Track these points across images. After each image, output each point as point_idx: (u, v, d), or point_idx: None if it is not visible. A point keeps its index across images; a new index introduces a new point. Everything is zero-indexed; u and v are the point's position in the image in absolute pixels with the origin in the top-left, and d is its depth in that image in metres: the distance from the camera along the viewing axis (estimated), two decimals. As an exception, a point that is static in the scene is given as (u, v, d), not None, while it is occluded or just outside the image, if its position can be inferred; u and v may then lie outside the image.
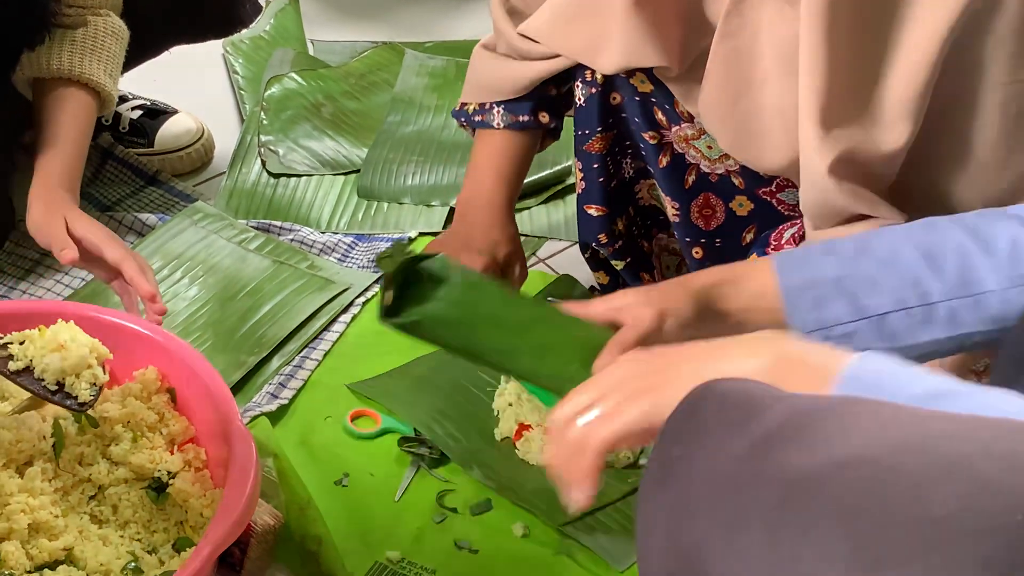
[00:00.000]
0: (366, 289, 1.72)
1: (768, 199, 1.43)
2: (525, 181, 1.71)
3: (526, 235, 1.85)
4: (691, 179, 1.48)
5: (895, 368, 0.72)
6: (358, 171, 1.96)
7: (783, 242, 1.37)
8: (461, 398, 1.57)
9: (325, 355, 1.63)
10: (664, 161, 1.47)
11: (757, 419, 0.59)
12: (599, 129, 1.48)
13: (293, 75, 2.13)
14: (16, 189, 1.73)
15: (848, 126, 1.14)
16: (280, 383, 1.58)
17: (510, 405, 1.53)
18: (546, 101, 1.51)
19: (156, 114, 1.98)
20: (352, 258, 1.79)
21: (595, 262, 1.63)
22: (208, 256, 1.76)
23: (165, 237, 1.78)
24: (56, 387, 1.24)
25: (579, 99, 1.47)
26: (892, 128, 1.13)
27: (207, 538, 1.16)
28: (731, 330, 1.02)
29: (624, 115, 1.47)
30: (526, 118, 1.51)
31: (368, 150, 1.98)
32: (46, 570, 1.20)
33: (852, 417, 0.57)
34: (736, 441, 0.58)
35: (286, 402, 1.56)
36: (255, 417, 1.51)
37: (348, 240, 1.82)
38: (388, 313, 1.20)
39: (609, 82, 1.43)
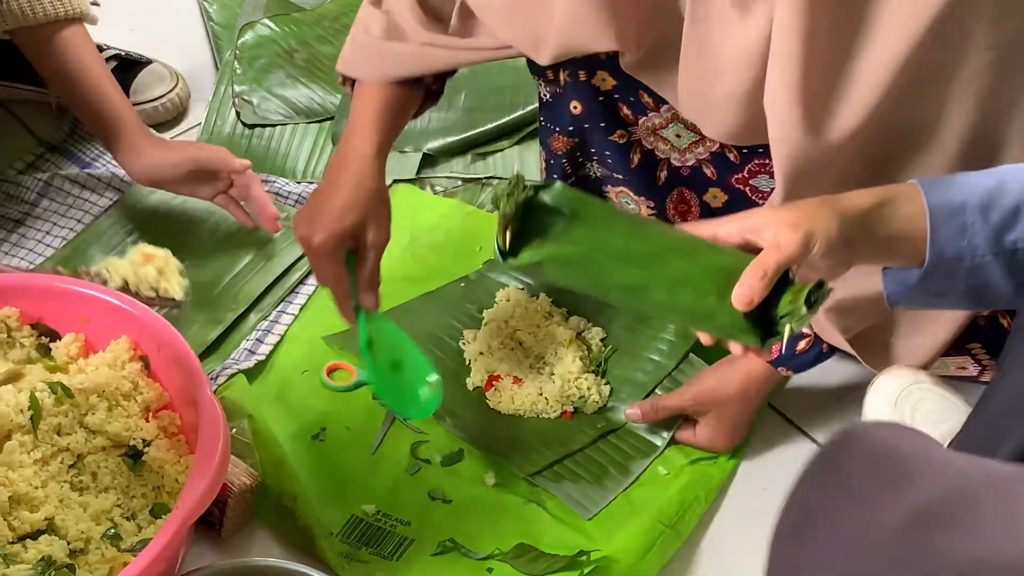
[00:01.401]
0: (341, 240, 1.74)
1: (742, 187, 1.43)
2: (495, 124, 1.72)
3: (498, 177, 1.86)
4: (663, 175, 1.48)
5: None
6: (332, 118, 1.97)
7: None
8: (434, 348, 1.59)
9: (301, 308, 1.66)
10: (635, 160, 1.47)
11: (913, 484, 0.57)
12: (560, 131, 1.48)
13: (266, 21, 2.12)
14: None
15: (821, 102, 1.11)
16: (257, 339, 1.61)
17: (481, 355, 1.56)
18: None
19: (130, 64, 1.98)
20: (327, 209, 1.80)
21: None
22: (184, 212, 1.77)
23: (142, 193, 1.80)
24: (153, 294, 1.44)
25: (543, 95, 1.46)
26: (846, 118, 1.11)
27: (180, 505, 1.20)
28: (877, 257, 1.00)
29: (587, 125, 1.46)
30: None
31: (341, 97, 1.99)
32: (28, 540, 1.24)
33: (1017, 501, 0.55)
34: (889, 507, 0.56)
35: (263, 358, 1.58)
36: (232, 375, 1.54)
37: (324, 190, 1.84)
38: (508, 254, 1.08)
39: (568, 90, 1.42)
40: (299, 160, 1.91)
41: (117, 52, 1.99)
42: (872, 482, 0.58)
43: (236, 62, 2.05)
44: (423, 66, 1.39)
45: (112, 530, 1.27)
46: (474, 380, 1.55)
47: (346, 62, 1.43)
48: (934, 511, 0.55)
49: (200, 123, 1.97)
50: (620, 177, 1.50)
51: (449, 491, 1.44)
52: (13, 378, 1.37)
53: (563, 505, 1.42)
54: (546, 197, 1.05)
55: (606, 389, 1.54)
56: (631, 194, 1.51)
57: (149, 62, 1.99)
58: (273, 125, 1.97)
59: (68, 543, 1.25)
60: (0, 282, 1.44)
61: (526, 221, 1.07)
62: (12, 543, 1.24)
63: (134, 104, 1.94)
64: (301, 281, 1.70)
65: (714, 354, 1.48)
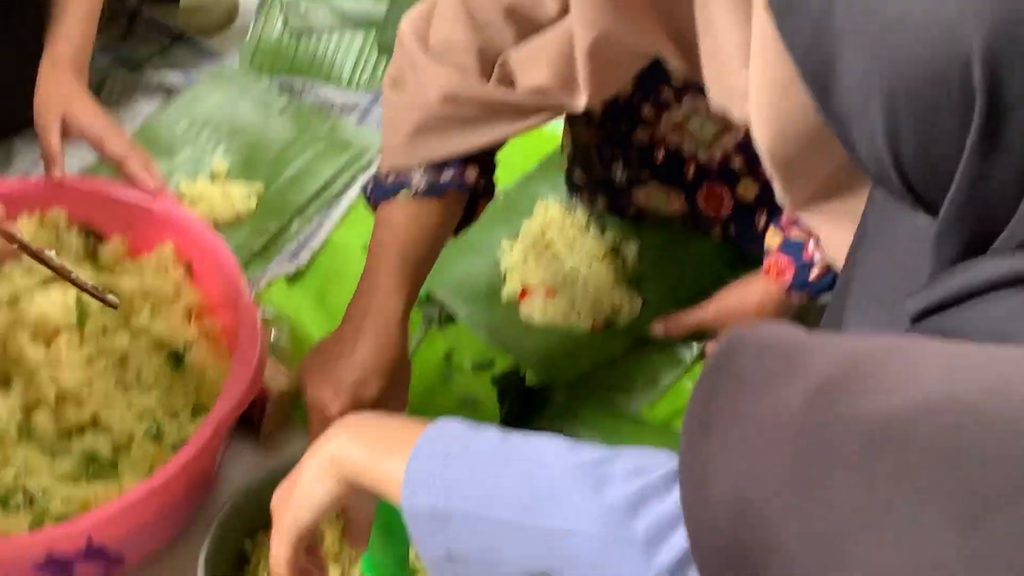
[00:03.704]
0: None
1: None
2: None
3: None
4: (691, 172, 1.48)
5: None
6: (379, 26, 1.98)
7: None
8: (472, 258, 1.62)
9: (343, 216, 1.70)
10: (660, 157, 1.47)
11: (805, 364, 0.57)
12: (582, 123, 1.48)
13: (316, -74, 2.13)
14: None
15: None
16: (299, 244, 1.65)
17: (516, 266, 1.59)
18: (474, 155, 1.28)
19: (183, -32, 2.01)
20: (371, 118, 1.83)
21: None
22: (233, 118, 1.81)
23: (191, 99, 1.84)
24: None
25: None
26: None
27: (219, 406, 1.25)
28: None
29: (608, 122, 1.46)
30: (451, 176, 1.26)
31: (388, 3, 2.00)
32: (74, 436, 1.30)
33: (914, 357, 0.55)
34: (789, 390, 0.56)
35: (304, 263, 1.63)
36: (274, 279, 1.58)
37: (368, 98, 1.86)
38: (504, 425, 1.31)
39: None
40: (345, 67, 1.93)
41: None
42: (766, 374, 0.58)
43: (285, -33, 2.06)
44: (486, 135, 1.26)
45: (154, 428, 1.32)
46: (509, 290, 1.58)
47: (392, 157, 1.29)
48: (833, 384, 0.55)
49: (248, 28, 1.99)
50: (646, 175, 1.50)
51: (480, 398, 1.48)
52: (61, 278, 1.42)
53: (592, 412, 1.45)
54: (534, 387, 1.41)
55: (639, 303, 1.56)
56: (661, 189, 1.51)
57: (201, -34, 2.01)
58: (320, 31, 1.98)
59: (112, 439, 1.31)
60: (49, 184, 1.48)
61: (522, 401, 1.40)
62: (58, 438, 1.30)
63: (185, 11, 1.97)
64: (344, 189, 1.73)
65: (745, 272, 1.50)
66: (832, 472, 0.52)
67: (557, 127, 1.73)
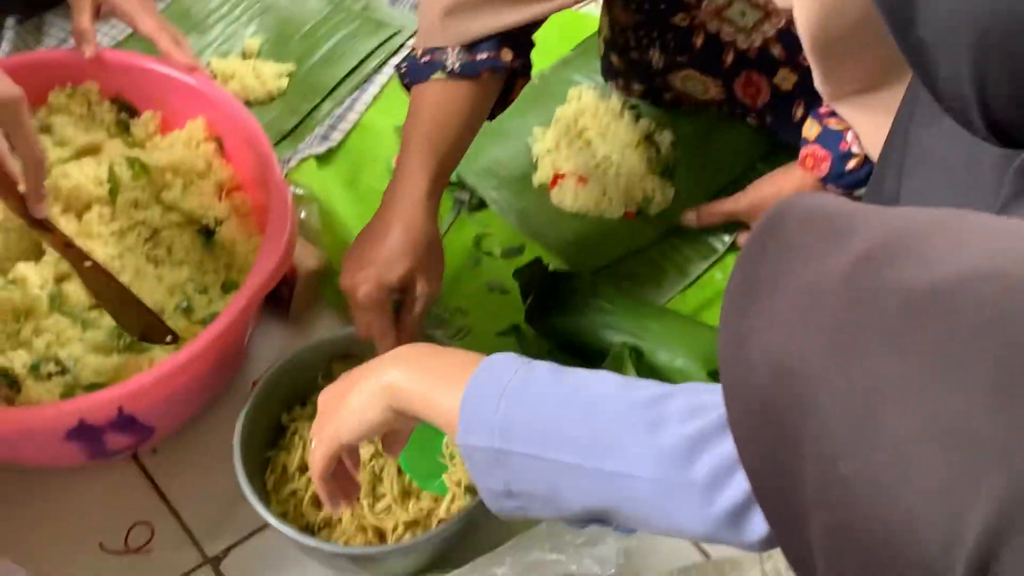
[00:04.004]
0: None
1: None
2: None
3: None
4: (729, 59, 1.45)
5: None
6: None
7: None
8: (504, 143, 1.61)
9: (375, 98, 1.69)
10: (698, 43, 1.44)
11: (854, 232, 0.56)
12: (620, 4, 1.45)
13: None
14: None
15: None
16: (331, 125, 1.65)
17: (549, 152, 1.58)
18: (509, 34, 1.26)
19: None
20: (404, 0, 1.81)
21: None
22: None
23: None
24: None
25: None
26: None
27: (249, 282, 1.26)
28: None
29: (647, 5, 1.43)
30: (485, 56, 1.24)
31: None
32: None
33: (961, 229, 0.54)
34: (834, 258, 0.56)
35: (335, 144, 1.62)
36: (304, 159, 1.58)
37: (404, -23, 1.84)
38: (529, 317, 1.40)
39: None
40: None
41: None
42: (814, 241, 0.58)
43: None
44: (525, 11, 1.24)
45: (184, 303, 1.33)
46: (540, 177, 1.57)
47: (425, 36, 1.27)
48: (880, 252, 0.55)
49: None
50: (684, 60, 1.48)
51: (508, 282, 1.47)
52: (93, 151, 1.43)
53: (620, 302, 1.45)
54: (557, 275, 1.40)
55: (671, 191, 1.55)
56: (698, 75, 1.49)
57: None
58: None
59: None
60: (81, 57, 1.47)
61: (546, 293, 1.39)
62: (90, 309, 1.32)
63: None
64: (376, 70, 1.72)
65: (779, 163, 1.49)
66: (872, 338, 0.52)
67: (594, 11, 1.70)
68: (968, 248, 0.53)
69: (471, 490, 1.17)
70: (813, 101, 1.35)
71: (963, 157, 0.83)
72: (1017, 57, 0.67)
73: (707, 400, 0.77)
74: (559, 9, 1.25)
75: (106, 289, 1.28)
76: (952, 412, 0.49)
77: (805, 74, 1.33)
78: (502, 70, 1.26)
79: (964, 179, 0.90)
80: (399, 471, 1.22)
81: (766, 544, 0.76)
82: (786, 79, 1.44)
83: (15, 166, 1.23)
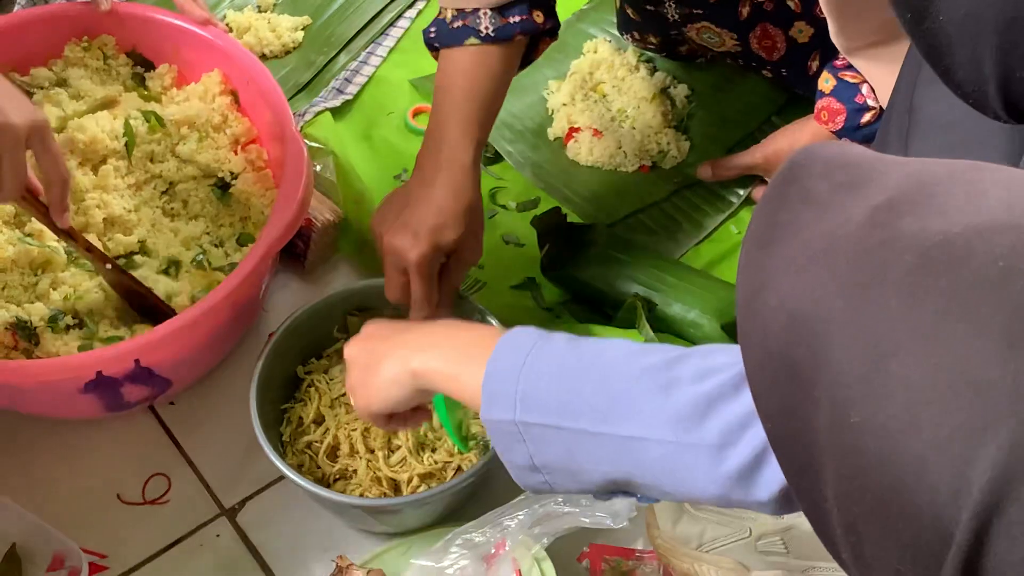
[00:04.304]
0: (433, -17, 1.74)
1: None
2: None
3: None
4: (745, 11, 1.44)
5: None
6: None
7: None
8: (519, 97, 1.60)
9: (390, 51, 1.68)
10: None
11: (873, 183, 0.57)
12: None
13: None
14: None
15: None
16: (346, 79, 1.64)
17: (564, 105, 1.58)
18: None
19: None
20: (421, -50, 1.80)
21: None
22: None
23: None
24: None
25: None
26: None
27: (265, 235, 1.26)
28: None
29: None
30: (518, 19, 1.22)
31: None
32: (121, 261, 1.32)
33: (980, 181, 0.54)
34: (853, 206, 0.56)
35: (350, 97, 1.61)
36: (320, 112, 1.57)
37: (417, -70, 1.83)
38: (545, 267, 1.40)
39: None
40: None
41: None
42: (834, 187, 0.58)
43: None
44: None
45: (200, 256, 1.33)
46: (555, 131, 1.57)
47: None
48: (898, 200, 0.55)
49: None
50: (700, 12, 1.46)
51: (522, 236, 1.48)
52: (109, 105, 1.43)
53: (636, 254, 1.44)
54: (575, 226, 1.41)
55: (686, 145, 1.55)
56: (713, 27, 1.47)
57: None
58: None
59: (158, 266, 1.32)
60: (98, 9, 1.46)
61: (563, 242, 1.40)
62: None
63: None
64: (391, 24, 1.71)
65: (794, 117, 1.48)
66: (886, 287, 0.52)
67: (610, -36, 1.69)
68: (985, 199, 0.53)
69: (486, 445, 1.18)
70: (829, 54, 1.34)
71: (970, 119, 0.83)
72: None
73: (718, 361, 0.77)
74: None
75: (128, 289, 1.29)
76: (963, 361, 0.49)
77: (821, 27, 1.33)
78: (535, 32, 1.24)
79: (972, 140, 0.90)
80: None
81: (778, 504, 0.77)
82: (802, 32, 1.43)
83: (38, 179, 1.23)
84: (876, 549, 0.53)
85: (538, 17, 1.24)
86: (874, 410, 0.51)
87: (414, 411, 1.02)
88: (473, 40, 1.22)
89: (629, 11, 1.55)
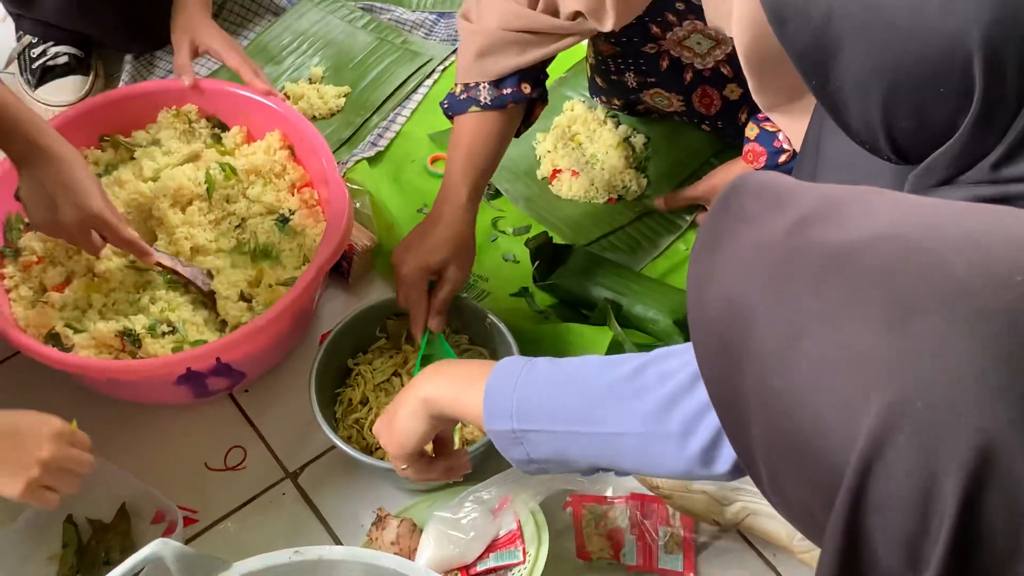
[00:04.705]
0: (445, 59, 1.72)
1: None
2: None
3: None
4: (689, 76, 1.42)
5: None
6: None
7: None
8: (513, 148, 1.53)
9: (413, 112, 1.66)
10: (664, 65, 1.41)
11: (791, 202, 0.57)
12: (603, 39, 1.41)
13: None
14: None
15: None
16: (378, 134, 1.62)
17: (548, 152, 1.56)
18: (528, 71, 1.23)
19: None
20: (435, 33, 1.78)
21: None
22: (326, 33, 1.76)
23: (293, 18, 1.78)
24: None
25: None
26: None
27: (317, 258, 1.24)
28: None
29: (624, 38, 1.39)
30: (509, 91, 1.22)
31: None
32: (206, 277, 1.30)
33: (874, 202, 0.55)
34: (776, 220, 0.56)
35: (382, 148, 1.59)
36: (358, 161, 1.55)
37: (432, 17, 1.80)
38: (536, 278, 1.37)
39: None
40: (414, -8, 1.87)
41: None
42: (762, 206, 0.58)
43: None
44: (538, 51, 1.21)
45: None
46: (542, 172, 1.55)
47: (459, 75, 1.25)
48: (810, 216, 0.55)
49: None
50: (653, 80, 1.44)
51: (518, 254, 1.46)
52: (193, 159, 1.41)
53: (606, 267, 1.41)
54: (559, 246, 1.37)
55: (644, 181, 1.52)
56: (663, 92, 1.45)
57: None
58: (395, -36, 1.92)
59: (235, 283, 1.30)
60: (183, 85, 1.45)
61: (551, 258, 1.37)
62: (193, 281, 1.30)
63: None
64: (414, 90, 1.68)
65: (727, 158, 1.46)
66: (797, 282, 0.53)
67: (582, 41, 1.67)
68: (876, 215, 0.54)
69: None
70: (754, 108, 1.32)
71: (864, 160, 0.82)
72: (918, 100, 0.68)
73: (672, 366, 0.76)
74: (565, 48, 1.22)
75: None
76: (854, 340, 0.50)
77: (747, 87, 1.31)
78: (524, 100, 1.24)
79: (865, 177, 0.89)
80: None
81: (731, 474, 0.76)
82: (733, 92, 1.41)
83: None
84: (790, 486, 0.54)
85: (526, 88, 1.23)
86: (788, 377, 0.52)
87: (445, 457, 1.00)
88: (474, 108, 1.22)
89: (598, 80, 1.53)
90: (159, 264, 1.26)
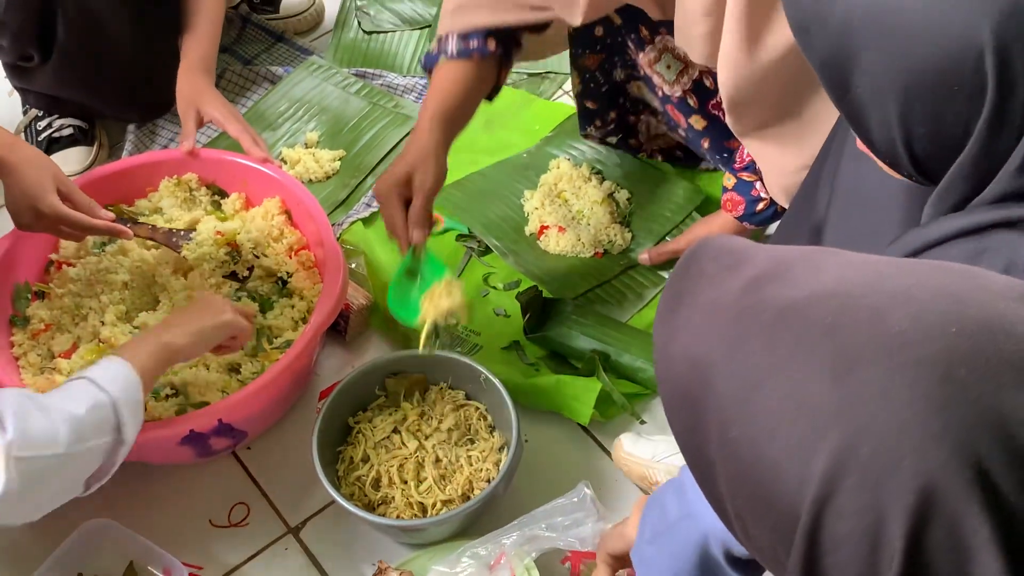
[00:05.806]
0: (435, 121, 1.75)
1: (716, 112, 1.39)
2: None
3: (554, 72, 1.84)
4: (657, 103, 1.45)
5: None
6: (430, 26, 1.96)
7: (744, 156, 1.33)
8: (502, 204, 1.61)
9: (405, 173, 1.68)
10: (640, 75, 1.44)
11: (746, 264, 0.59)
12: (589, 51, 1.45)
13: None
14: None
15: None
16: (372, 195, 1.64)
17: (536, 209, 1.58)
18: (499, 31, 1.25)
19: (280, -15, 1.98)
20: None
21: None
22: (321, 100, 1.80)
23: (289, 86, 1.82)
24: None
25: (570, 29, 1.41)
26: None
27: (314, 318, 1.26)
28: None
29: (609, 41, 1.43)
30: (475, 43, 1.24)
31: (437, 8, 1.97)
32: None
33: (820, 262, 0.58)
34: (732, 281, 0.59)
35: (376, 210, 1.61)
36: (353, 222, 1.58)
37: (423, 83, 1.84)
38: (527, 331, 1.40)
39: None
40: (405, 59, 1.91)
41: (271, -25, 1.98)
42: (718, 268, 0.61)
43: (358, -18, 2.03)
44: (500, 15, 1.24)
45: (266, 335, 1.34)
46: (530, 228, 1.57)
47: (441, 25, 1.28)
48: (763, 276, 0.58)
49: (331, 30, 1.97)
50: (638, 75, 1.46)
51: (508, 308, 1.48)
52: (194, 224, 1.43)
53: (593, 319, 1.43)
54: (548, 300, 1.40)
55: (628, 236, 1.55)
56: (646, 87, 1.48)
57: (295, -17, 1.98)
58: (386, 31, 1.96)
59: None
60: (184, 154, 1.48)
61: (541, 310, 1.40)
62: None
63: (284, 17, 1.95)
64: (405, 153, 1.72)
65: (708, 212, 1.49)
66: (751, 338, 0.55)
67: (568, 101, 1.71)
68: (824, 274, 0.56)
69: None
70: (717, 137, 1.40)
71: (878, 187, 0.85)
72: (933, 103, 0.70)
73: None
74: (537, 22, 1.25)
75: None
76: (803, 390, 0.52)
77: (712, 119, 1.38)
78: (490, 56, 1.25)
79: (880, 209, 0.92)
80: (436, 460, 1.22)
81: None
82: (699, 122, 1.43)
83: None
84: (755, 529, 0.56)
85: (491, 44, 1.25)
86: (745, 427, 0.54)
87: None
88: (443, 58, 1.26)
89: (588, 103, 1.54)
90: (137, 235, 1.31)
